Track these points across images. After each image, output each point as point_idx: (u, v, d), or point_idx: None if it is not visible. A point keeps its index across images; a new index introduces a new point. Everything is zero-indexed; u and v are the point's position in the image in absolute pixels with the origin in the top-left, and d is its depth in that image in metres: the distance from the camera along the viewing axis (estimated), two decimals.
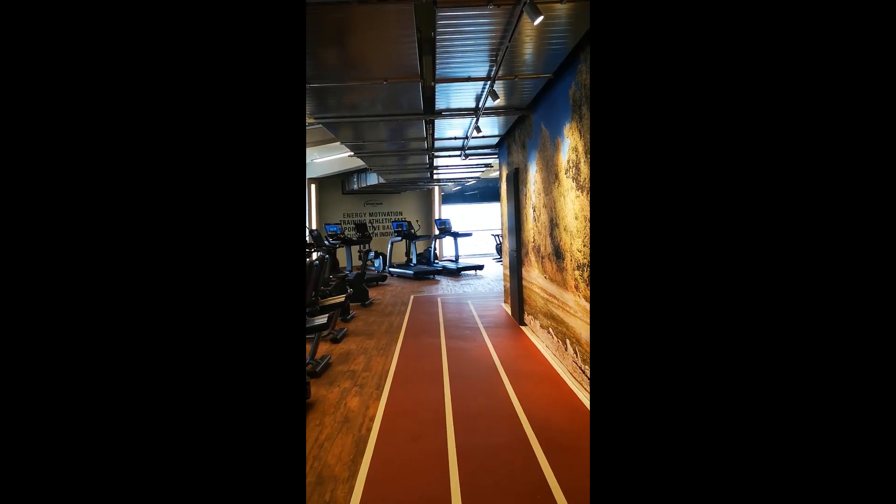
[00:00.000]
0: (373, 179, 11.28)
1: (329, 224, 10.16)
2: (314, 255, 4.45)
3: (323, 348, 4.69)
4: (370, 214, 13.27)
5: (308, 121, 5.07)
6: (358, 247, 9.90)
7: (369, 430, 2.85)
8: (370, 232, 10.75)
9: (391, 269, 10.70)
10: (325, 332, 4.87)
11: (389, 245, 11.13)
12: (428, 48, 3.26)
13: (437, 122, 5.14)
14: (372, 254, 10.14)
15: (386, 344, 4.84)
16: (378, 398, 3.36)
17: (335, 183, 12.77)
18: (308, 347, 4.25)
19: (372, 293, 8.06)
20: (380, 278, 9.47)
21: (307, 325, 3.99)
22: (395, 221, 11.00)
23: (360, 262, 9.37)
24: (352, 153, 7.83)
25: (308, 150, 9.39)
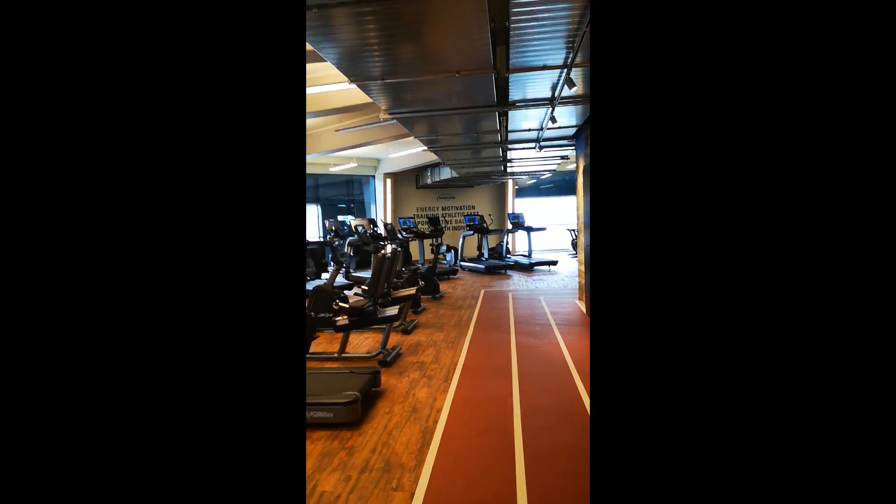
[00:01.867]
0: (446, 174, 11.37)
1: (403, 218, 10.38)
2: (388, 248, 4.56)
3: (394, 339, 4.80)
4: (443, 208, 13.40)
5: (383, 116, 5.19)
6: (430, 240, 10.03)
7: (436, 421, 2.87)
8: (442, 226, 10.86)
9: (462, 263, 10.75)
10: (397, 323, 4.99)
11: (461, 239, 11.18)
12: (501, 38, 3.20)
13: (510, 113, 5.05)
14: (444, 247, 10.24)
15: (455, 337, 4.86)
16: (446, 390, 3.38)
17: (410, 177, 13.03)
18: (380, 337, 4.37)
19: (443, 286, 8.14)
20: (451, 272, 9.54)
21: (379, 316, 4.10)
22: (468, 215, 11.02)
23: (431, 256, 9.50)
24: (425, 148, 7.93)
25: (383, 146, 9.64)
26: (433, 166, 11.85)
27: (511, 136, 6.43)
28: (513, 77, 3.80)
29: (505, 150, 7.53)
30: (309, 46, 3.32)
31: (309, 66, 4.87)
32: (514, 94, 4.34)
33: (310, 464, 2.39)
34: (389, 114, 4.95)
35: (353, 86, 3.97)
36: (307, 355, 4.06)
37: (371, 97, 4.39)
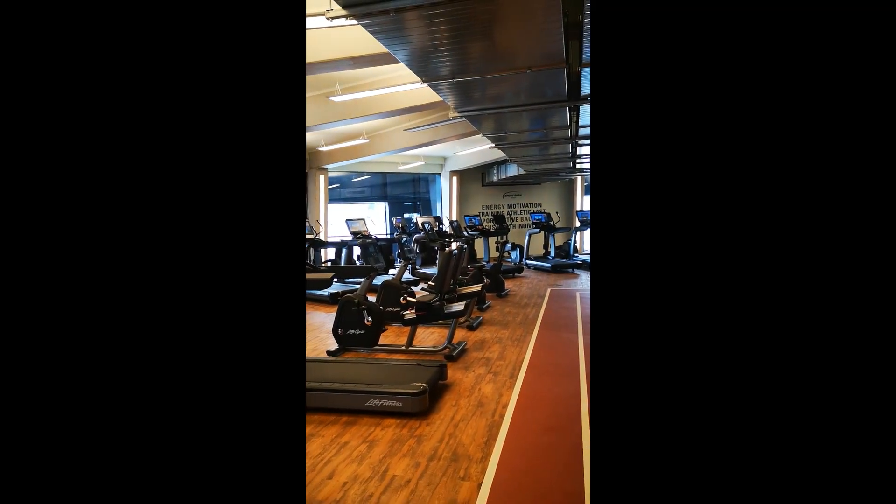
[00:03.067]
0: (512, 171, 11.29)
1: (468, 215, 10.45)
2: (453, 245, 4.63)
3: (459, 334, 4.87)
4: (508, 206, 13.33)
5: (451, 114, 5.26)
6: (495, 238, 10.02)
7: (502, 416, 2.89)
8: (508, 223, 10.81)
9: (528, 262, 10.64)
10: (462, 319, 5.05)
11: (527, 237, 11.06)
12: (574, 32, 3.15)
13: (581, 108, 4.95)
14: (509, 245, 10.20)
15: (521, 335, 4.84)
16: (511, 387, 3.39)
17: (475, 175, 13.07)
18: (446, 332, 4.45)
19: (508, 284, 8.12)
20: (516, 270, 9.48)
21: (445, 311, 4.18)
22: (534, 213, 10.89)
23: (496, 254, 9.50)
24: (492, 145, 7.93)
25: (450, 144, 9.75)
26: (500, 163, 11.81)
27: (581, 132, 6.29)
28: (586, 71, 3.72)
29: (575, 146, 7.37)
30: (381, 48, 3.45)
31: (380, 68, 5.04)
32: (587, 89, 4.25)
33: (380, 448, 2.50)
34: (458, 112, 5.01)
35: (423, 85, 4.06)
36: (376, 347, 4.22)
37: (440, 96, 4.47)
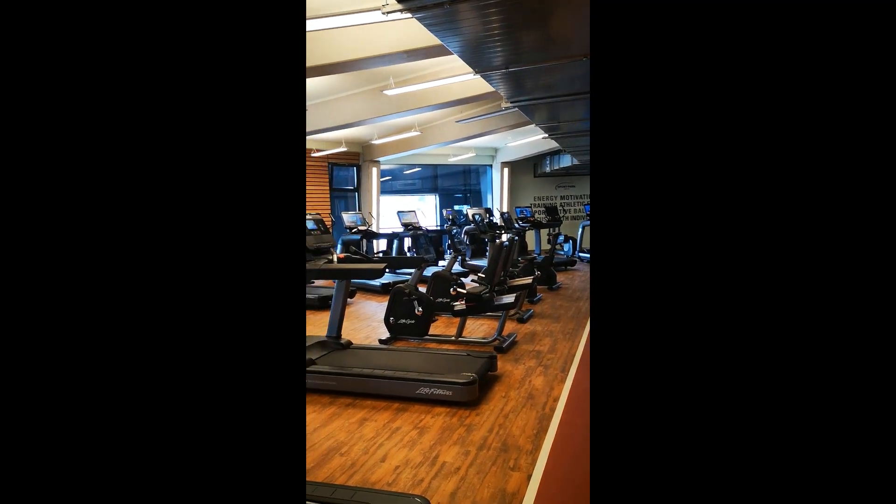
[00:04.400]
0: (566, 161, 11.05)
1: (519, 207, 10.34)
2: (504, 237, 4.61)
3: (509, 326, 4.86)
4: (561, 197, 13.08)
5: (504, 104, 5.21)
6: (547, 230, 9.88)
7: (553, 409, 2.87)
8: (560, 215, 10.61)
9: (581, 254, 10.42)
10: (512, 312, 5.03)
11: (580, 229, 10.83)
12: None
13: None
14: (561, 237, 10.01)
15: (573, 329, 4.77)
16: (563, 381, 3.35)
17: (527, 166, 12.90)
18: (496, 324, 4.46)
19: (560, 277, 7.99)
20: (569, 262, 9.31)
21: (495, 303, 4.18)
22: (588, 205, 10.62)
23: (548, 246, 9.36)
24: (545, 135, 7.80)
25: (501, 135, 9.66)
26: (552, 154, 11.60)
27: None
28: None
29: None
30: (435, 40, 3.47)
31: (432, 61, 5.07)
32: None
33: (431, 435, 2.55)
34: (510, 102, 4.96)
35: (475, 76, 4.05)
36: (426, 336, 4.29)
37: (493, 86, 4.44)
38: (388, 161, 11.04)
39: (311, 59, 4.29)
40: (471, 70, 3.93)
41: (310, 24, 3.30)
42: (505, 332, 4.41)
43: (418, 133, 8.69)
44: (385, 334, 4.43)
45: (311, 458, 2.38)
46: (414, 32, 3.94)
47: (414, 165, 12.38)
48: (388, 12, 2.88)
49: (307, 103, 6.58)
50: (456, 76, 5.00)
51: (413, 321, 4.28)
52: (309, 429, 2.69)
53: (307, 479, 2.10)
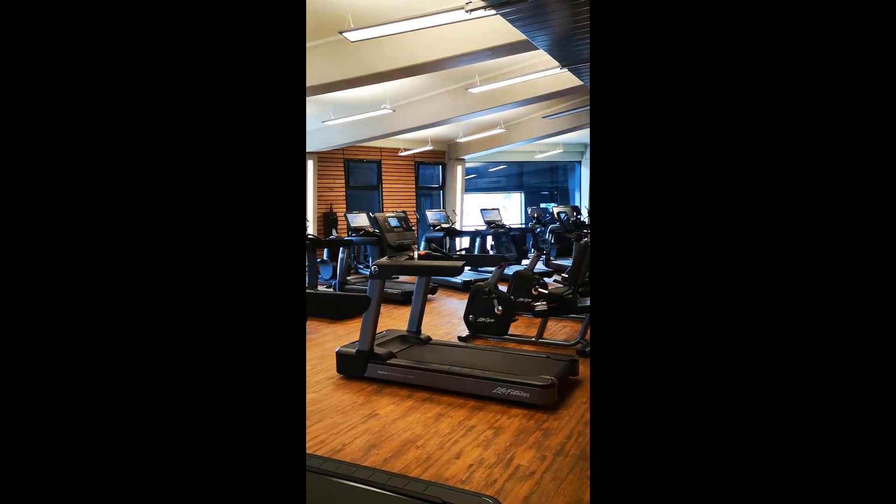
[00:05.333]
0: None
1: None
2: (586, 238, 4.44)
3: None
4: None
5: None
6: None
7: None
8: None
9: None
10: None
11: None
12: None
13: None
14: None
15: None
16: None
17: None
18: (579, 326, 4.30)
19: None
20: None
21: (579, 305, 4.03)
22: None
23: None
24: None
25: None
26: None
27: None
28: None
29: None
30: (520, 36, 3.41)
31: (518, 56, 4.99)
32: None
33: (506, 437, 2.52)
34: None
35: (562, 70, 3.92)
36: (506, 336, 4.25)
37: (581, 80, 4.28)
38: (473, 159, 11.09)
39: (397, 62, 4.41)
40: (557, 64, 3.82)
41: (394, 27, 3.40)
42: (588, 336, 4.24)
43: (503, 130, 8.63)
44: (464, 331, 4.45)
45: (388, 448, 2.45)
46: (498, 29, 3.91)
47: (500, 163, 12.32)
48: (472, 10, 2.87)
49: (394, 104, 6.79)
50: (542, 71, 4.88)
51: (493, 320, 4.25)
52: (387, 420, 2.78)
53: (383, 468, 2.17)
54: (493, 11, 2.82)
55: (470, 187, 11.56)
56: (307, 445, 2.49)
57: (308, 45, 4.67)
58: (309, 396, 3.17)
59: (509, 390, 2.91)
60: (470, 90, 5.97)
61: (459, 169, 10.63)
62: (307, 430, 2.67)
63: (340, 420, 2.80)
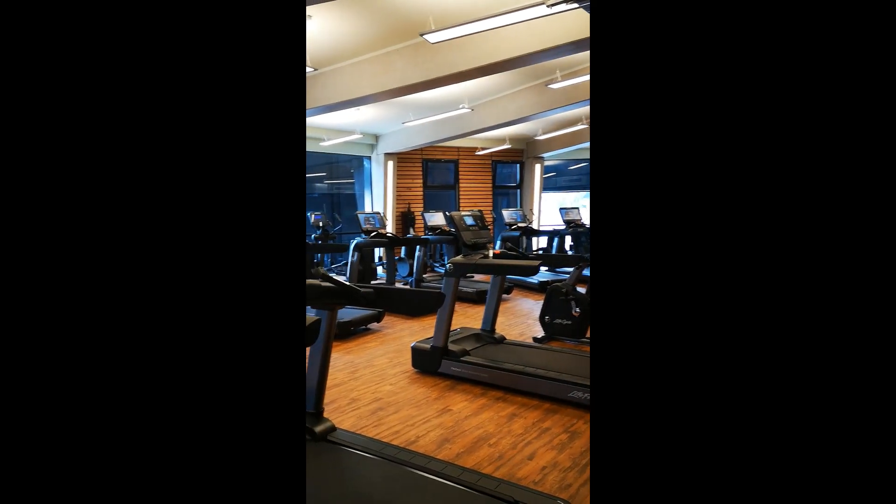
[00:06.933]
0: None
1: None
2: None
3: None
4: None
5: None
6: None
7: None
8: None
9: None
10: None
11: None
12: None
13: None
14: None
15: None
16: None
17: None
18: None
19: None
20: None
21: None
22: None
23: None
24: None
25: None
26: None
27: None
28: None
29: None
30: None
31: (579, 56, 4.81)
32: None
33: (582, 442, 2.45)
34: None
35: None
36: (583, 339, 4.12)
37: None
38: (552, 157, 10.85)
39: (477, 60, 4.43)
40: None
41: (473, 27, 3.41)
42: None
43: (585, 126, 8.36)
44: (540, 332, 4.38)
45: (460, 443, 2.48)
46: (582, 22, 3.79)
47: (580, 160, 11.95)
48: (552, 5, 2.81)
49: (472, 104, 6.82)
50: None
51: (569, 321, 4.14)
52: (460, 416, 2.81)
53: (455, 462, 2.19)
54: (576, 5, 2.74)
55: (549, 186, 11.32)
56: (383, 435, 2.58)
57: (388, 48, 4.82)
58: (385, 388, 3.28)
59: (586, 395, 2.82)
60: (550, 86, 5.85)
61: (538, 167, 10.45)
62: (384, 421, 2.77)
63: (415, 413, 2.88)
